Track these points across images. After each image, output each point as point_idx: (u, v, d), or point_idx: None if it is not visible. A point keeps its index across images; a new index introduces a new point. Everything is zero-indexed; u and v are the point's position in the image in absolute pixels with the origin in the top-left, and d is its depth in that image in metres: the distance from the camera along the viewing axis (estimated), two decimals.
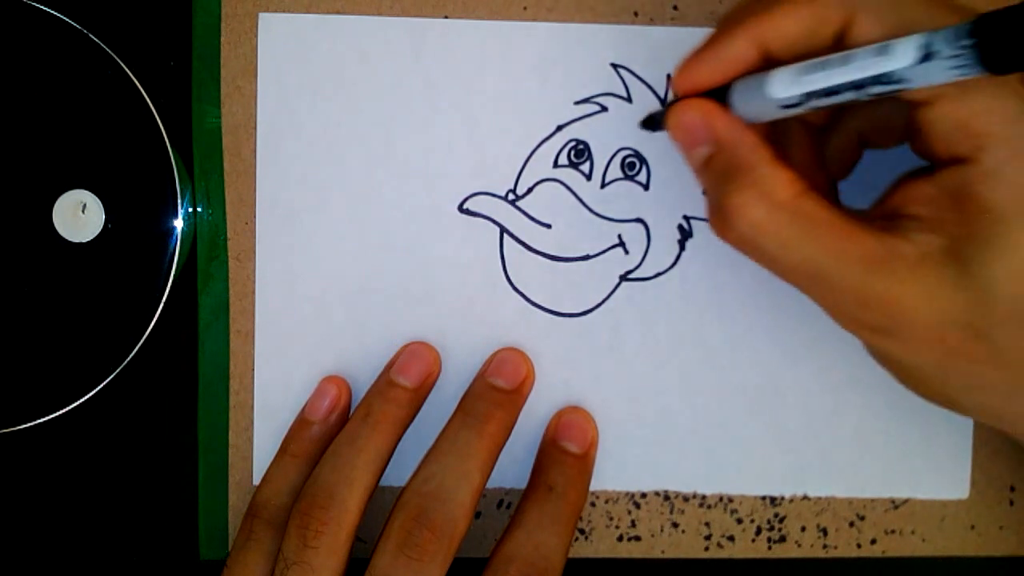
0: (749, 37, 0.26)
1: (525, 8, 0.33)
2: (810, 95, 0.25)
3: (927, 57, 0.22)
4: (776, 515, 0.34)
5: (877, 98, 0.24)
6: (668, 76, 0.33)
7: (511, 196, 0.33)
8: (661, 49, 0.33)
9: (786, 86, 0.25)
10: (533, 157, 0.33)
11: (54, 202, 0.31)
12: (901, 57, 0.23)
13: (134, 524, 0.34)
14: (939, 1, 0.24)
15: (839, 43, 0.25)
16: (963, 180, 0.25)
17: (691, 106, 0.27)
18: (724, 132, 0.27)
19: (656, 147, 0.33)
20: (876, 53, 0.23)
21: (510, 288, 0.33)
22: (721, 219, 0.27)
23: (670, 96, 0.33)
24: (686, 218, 0.33)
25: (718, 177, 0.27)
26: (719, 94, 0.27)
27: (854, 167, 0.31)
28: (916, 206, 0.26)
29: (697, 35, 0.33)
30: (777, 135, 0.29)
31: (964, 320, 0.25)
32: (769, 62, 0.26)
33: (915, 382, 0.28)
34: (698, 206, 0.33)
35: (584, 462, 0.32)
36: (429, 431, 0.31)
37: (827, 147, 0.31)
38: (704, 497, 0.34)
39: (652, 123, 0.31)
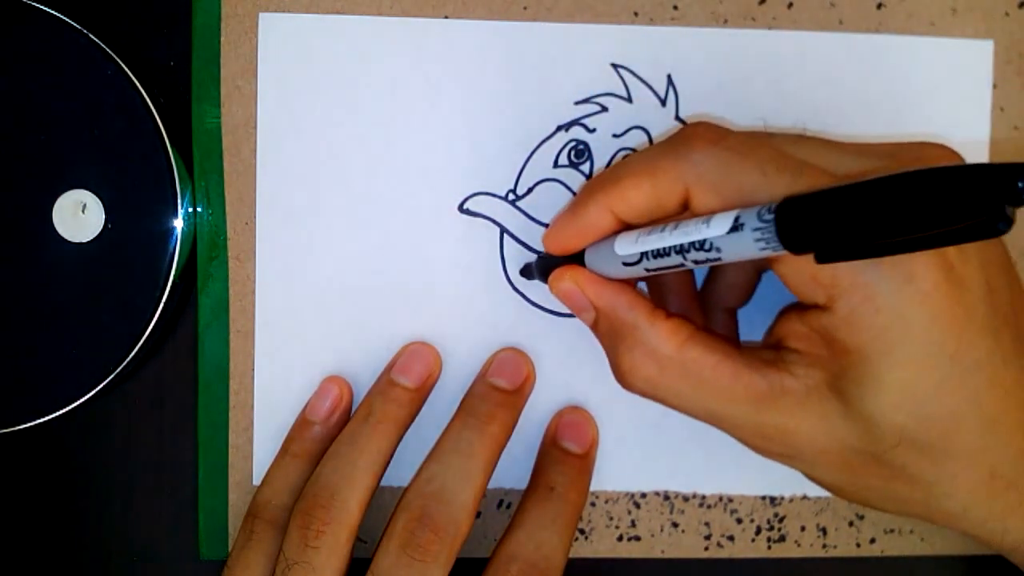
0: (602, 206, 0.27)
1: (525, 8, 0.33)
2: (645, 255, 0.26)
3: (736, 228, 0.23)
4: (776, 515, 0.34)
5: (702, 265, 0.25)
6: (668, 76, 0.33)
7: (511, 196, 0.33)
8: (661, 49, 0.33)
9: (627, 246, 0.27)
10: (533, 157, 0.33)
11: (54, 202, 0.31)
12: (717, 227, 0.24)
13: (134, 524, 0.34)
14: (779, 165, 0.24)
15: (687, 212, 0.26)
16: (825, 324, 0.25)
17: (564, 276, 0.29)
18: (598, 298, 0.28)
19: None
20: (701, 222, 0.24)
21: (510, 288, 0.33)
22: (620, 376, 0.28)
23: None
24: None
25: (606, 338, 0.28)
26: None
27: (753, 292, 0.32)
28: (795, 341, 0.26)
29: (697, 35, 0.33)
30: (656, 284, 0.31)
31: (859, 447, 0.25)
32: (628, 227, 0.27)
33: (840, 494, 0.28)
34: None
35: (585, 462, 0.32)
36: (430, 431, 0.31)
37: (725, 277, 0.31)
38: (704, 497, 0.34)
39: (528, 273, 0.33)
